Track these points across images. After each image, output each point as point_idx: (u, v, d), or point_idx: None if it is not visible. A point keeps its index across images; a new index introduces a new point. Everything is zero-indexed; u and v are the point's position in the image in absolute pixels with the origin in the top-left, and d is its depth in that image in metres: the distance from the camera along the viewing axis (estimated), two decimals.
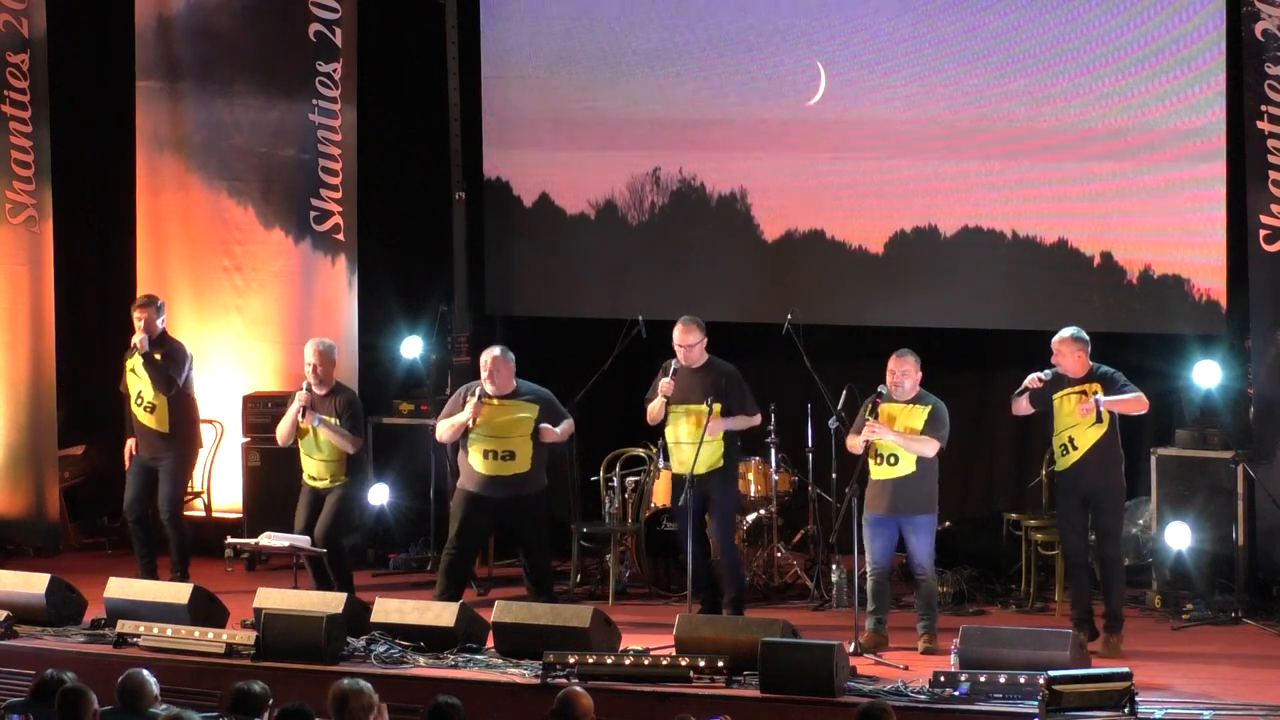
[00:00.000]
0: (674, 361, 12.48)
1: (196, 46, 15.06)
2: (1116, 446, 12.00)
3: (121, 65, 15.29)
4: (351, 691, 8.39)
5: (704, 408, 12.33)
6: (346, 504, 13.10)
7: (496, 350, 12.74)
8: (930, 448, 11.92)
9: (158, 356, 13.36)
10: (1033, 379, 12.00)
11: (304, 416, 12.99)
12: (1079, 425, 11.90)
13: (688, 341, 12.45)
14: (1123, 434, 13.52)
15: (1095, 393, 11.87)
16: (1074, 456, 11.93)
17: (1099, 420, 11.86)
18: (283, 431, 13.18)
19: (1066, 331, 12.06)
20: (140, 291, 15.06)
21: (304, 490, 13.20)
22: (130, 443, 13.58)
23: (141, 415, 13.45)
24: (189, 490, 14.77)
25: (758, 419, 12.65)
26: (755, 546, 13.56)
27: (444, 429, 12.79)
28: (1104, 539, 12.02)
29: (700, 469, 12.30)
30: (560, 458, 14.01)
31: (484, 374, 12.67)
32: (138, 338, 13.36)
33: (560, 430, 12.75)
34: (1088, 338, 12.03)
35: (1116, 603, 11.97)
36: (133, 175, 15.29)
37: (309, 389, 13.04)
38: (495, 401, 12.64)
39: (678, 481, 12.48)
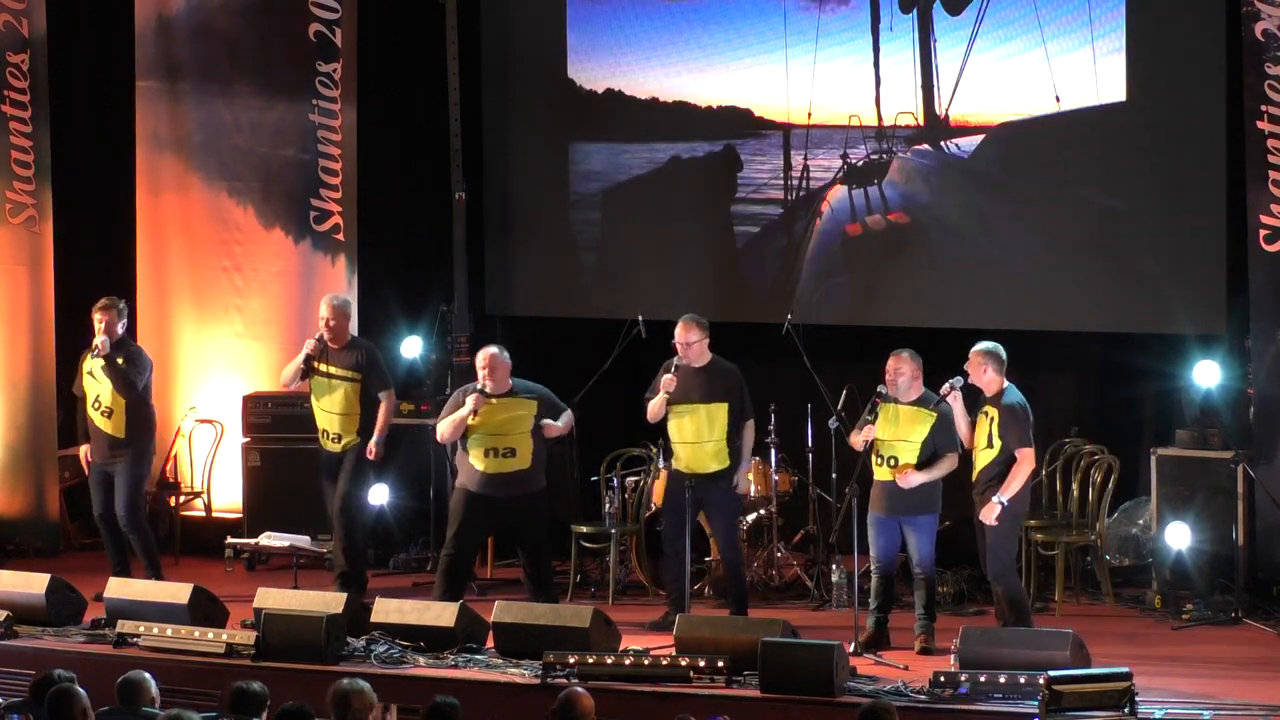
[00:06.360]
0: (676, 359, 12.48)
1: (196, 46, 15.07)
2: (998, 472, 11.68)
3: (121, 65, 15.29)
4: (353, 692, 8.40)
5: (706, 407, 12.33)
6: (361, 462, 13.14)
7: (494, 349, 12.73)
8: (950, 465, 11.87)
9: (120, 361, 13.06)
10: (945, 388, 11.76)
11: (311, 369, 13.03)
12: (976, 450, 11.76)
13: (687, 339, 12.41)
14: (1122, 434, 13.58)
15: (992, 418, 11.63)
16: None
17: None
18: (286, 375, 13.33)
19: (980, 345, 11.74)
20: (141, 292, 15.10)
21: (323, 461, 13.21)
22: (85, 448, 13.33)
23: (98, 420, 13.16)
24: (185, 493, 14.82)
25: (750, 426, 12.59)
26: (755, 546, 13.56)
27: (444, 427, 12.75)
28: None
29: (703, 470, 12.32)
30: (560, 458, 14.01)
31: (481, 372, 12.66)
32: (99, 339, 13.09)
33: (562, 423, 12.74)
34: (1004, 356, 11.69)
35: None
36: (133, 175, 15.29)
37: (320, 340, 13.04)
38: (493, 400, 12.64)
39: (675, 479, 12.48)
